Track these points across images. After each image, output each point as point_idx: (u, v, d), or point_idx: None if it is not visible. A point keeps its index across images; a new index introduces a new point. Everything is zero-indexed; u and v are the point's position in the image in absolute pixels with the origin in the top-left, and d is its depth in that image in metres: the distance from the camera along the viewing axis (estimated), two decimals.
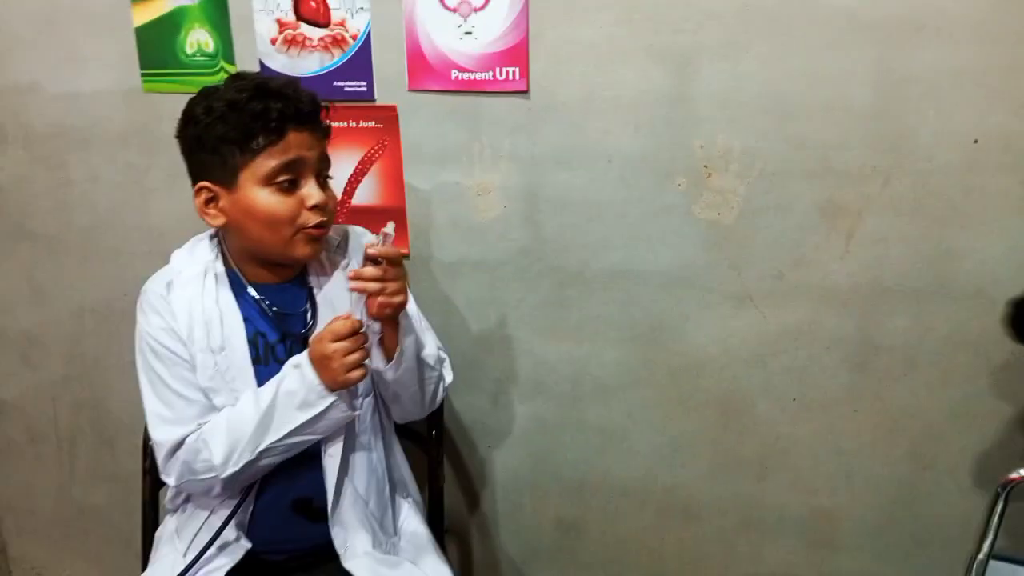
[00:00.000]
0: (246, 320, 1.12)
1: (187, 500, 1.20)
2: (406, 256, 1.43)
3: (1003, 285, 1.15)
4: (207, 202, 1.09)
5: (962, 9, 1.09)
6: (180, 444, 1.09)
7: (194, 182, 1.10)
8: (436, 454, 1.38)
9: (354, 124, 1.41)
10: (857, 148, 1.19)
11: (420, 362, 1.14)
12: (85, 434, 1.87)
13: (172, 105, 1.16)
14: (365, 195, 1.44)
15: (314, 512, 1.15)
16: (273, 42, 1.41)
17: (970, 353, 1.21)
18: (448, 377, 1.24)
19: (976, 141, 1.13)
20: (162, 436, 1.10)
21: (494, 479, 1.56)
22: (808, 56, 1.17)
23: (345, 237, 1.23)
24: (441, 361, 1.22)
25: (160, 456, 1.11)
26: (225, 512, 1.12)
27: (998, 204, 1.15)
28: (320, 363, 1.04)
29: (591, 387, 1.43)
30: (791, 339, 1.30)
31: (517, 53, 1.28)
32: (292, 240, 1.08)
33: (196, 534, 1.14)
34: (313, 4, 1.37)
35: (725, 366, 1.35)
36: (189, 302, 1.11)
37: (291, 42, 1.40)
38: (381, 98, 1.38)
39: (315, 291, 1.16)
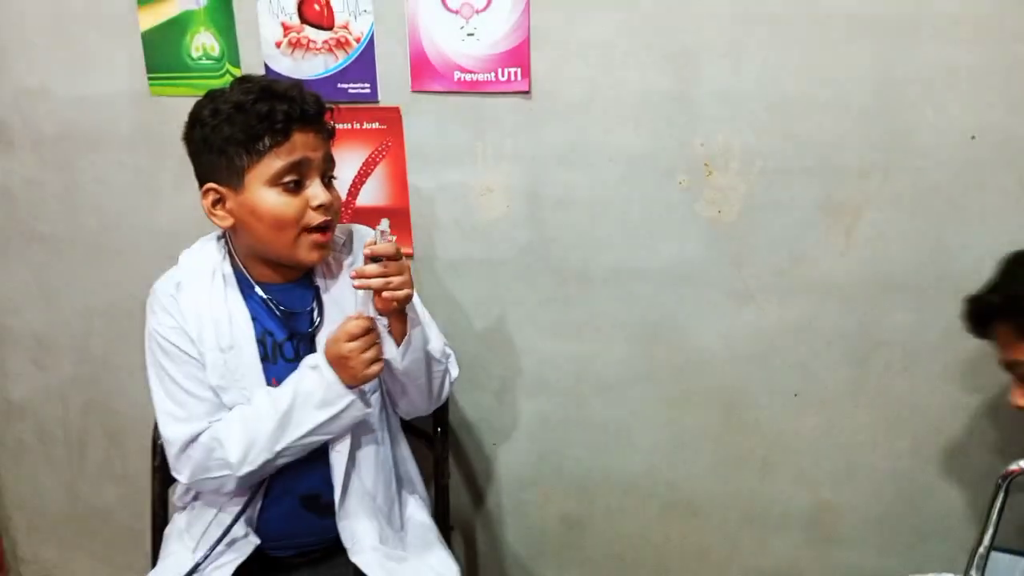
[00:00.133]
0: (254, 319, 1.14)
1: (196, 497, 1.22)
2: (410, 255, 1.45)
3: None
4: (214, 203, 1.10)
5: (960, 8, 1.10)
6: (191, 441, 1.10)
7: (201, 184, 1.11)
8: (441, 451, 1.39)
9: (358, 125, 1.42)
10: (856, 146, 1.20)
11: (427, 354, 1.16)
12: (94, 434, 1.89)
13: (179, 108, 1.17)
14: (369, 195, 1.45)
15: (322, 507, 1.17)
16: (278, 45, 1.43)
17: (969, 347, 1.21)
18: (454, 371, 1.26)
19: (974, 137, 1.14)
20: (173, 434, 1.11)
21: (498, 476, 1.57)
22: (808, 55, 1.18)
23: (350, 236, 1.24)
24: (447, 355, 1.24)
25: (171, 453, 1.12)
26: (234, 509, 1.14)
27: (996, 200, 1.16)
28: (338, 363, 1.07)
29: (594, 384, 1.45)
30: (792, 335, 1.31)
31: (519, 54, 1.29)
32: (297, 242, 1.09)
33: (205, 531, 1.16)
34: (317, 7, 1.38)
35: (727, 362, 1.36)
36: (198, 302, 1.12)
37: (295, 45, 1.42)
38: (385, 99, 1.40)
39: (321, 290, 1.18)
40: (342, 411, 1.09)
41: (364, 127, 1.42)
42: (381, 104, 1.40)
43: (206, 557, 1.12)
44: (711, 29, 1.21)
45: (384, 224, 1.05)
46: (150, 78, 1.54)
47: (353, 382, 1.08)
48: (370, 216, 1.40)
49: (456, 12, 1.30)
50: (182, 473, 1.12)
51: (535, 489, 1.55)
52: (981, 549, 1.07)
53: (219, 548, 1.12)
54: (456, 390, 1.52)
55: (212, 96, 1.08)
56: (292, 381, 1.10)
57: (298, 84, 1.09)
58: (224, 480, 1.10)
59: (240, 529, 1.14)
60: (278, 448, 1.09)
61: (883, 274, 1.23)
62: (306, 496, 1.17)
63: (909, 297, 1.23)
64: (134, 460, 1.85)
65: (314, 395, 1.08)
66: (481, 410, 1.54)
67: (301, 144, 1.07)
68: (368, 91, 1.40)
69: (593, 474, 1.50)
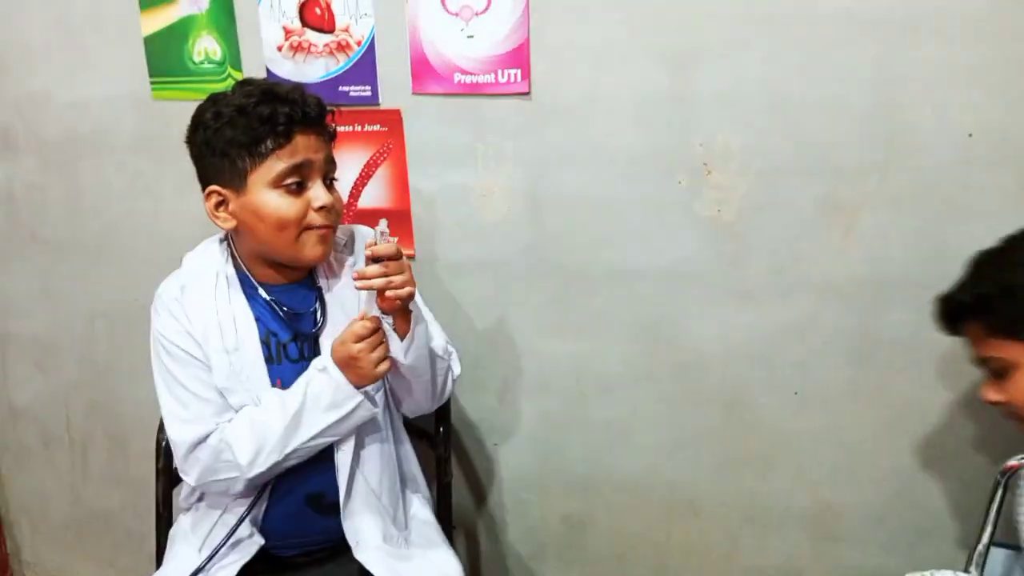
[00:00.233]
0: (258, 320, 1.15)
1: (201, 498, 1.22)
2: (411, 257, 1.45)
3: None
4: (217, 205, 1.11)
5: (957, 8, 1.11)
6: (199, 443, 1.11)
7: (204, 186, 1.12)
8: (444, 450, 1.40)
9: (359, 128, 1.43)
10: (855, 145, 1.20)
11: (431, 351, 1.17)
12: (97, 437, 1.90)
13: (181, 112, 1.18)
14: (371, 197, 1.46)
15: (326, 506, 1.18)
16: (279, 48, 1.44)
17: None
18: (456, 369, 1.27)
19: (971, 135, 1.15)
20: (180, 436, 1.12)
21: (500, 476, 1.58)
22: (806, 55, 1.19)
23: (351, 237, 1.25)
24: (449, 352, 1.25)
25: (179, 455, 1.13)
26: (239, 509, 1.15)
27: (994, 199, 1.16)
28: (346, 364, 1.08)
29: (596, 384, 1.45)
30: (792, 334, 1.32)
31: (518, 56, 1.30)
32: (299, 240, 1.10)
33: (210, 531, 1.17)
34: (318, 11, 1.39)
35: (727, 361, 1.36)
36: (203, 304, 1.13)
37: (297, 48, 1.43)
38: (385, 102, 1.41)
39: (324, 291, 1.19)
40: (351, 412, 1.10)
41: (365, 129, 1.43)
42: (382, 106, 1.41)
43: (211, 557, 1.12)
44: (709, 30, 1.22)
45: (383, 225, 1.06)
46: (152, 82, 1.55)
47: (362, 382, 1.09)
48: (372, 218, 1.41)
49: (456, 15, 1.31)
50: (190, 475, 1.13)
51: (536, 488, 1.56)
52: (980, 547, 1.08)
53: (224, 548, 1.13)
54: (458, 390, 1.52)
55: (214, 99, 1.09)
56: (301, 383, 1.11)
57: (299, 87, 1.10)
58: (232, 481, 1.11)
59: (245, 529, 1.15)
60: (288, 450, 1.10)
61: (882, 273, 1.24)
62: (311, 495, 1.18)
63: (908, 295, 1.23)
64: (137, 463, 1.85)
65: (323, 397, 1.09)
66: (482, 410, 1.55)
67: (303, 146, 1.08)
68: (369, 94, 1.41)
69: (594, 473, 1.51)
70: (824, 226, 1.25)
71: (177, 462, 1.14)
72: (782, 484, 1.40)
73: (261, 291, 1.15)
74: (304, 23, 1.41)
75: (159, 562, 1.30)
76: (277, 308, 1.15)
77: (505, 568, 1.63)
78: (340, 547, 1.16)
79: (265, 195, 1.07)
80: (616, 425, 1.46)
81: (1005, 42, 1.11)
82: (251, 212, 1.08)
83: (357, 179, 1.46)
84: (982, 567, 1.08)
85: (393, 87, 1.39)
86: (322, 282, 1.19)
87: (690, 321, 1.36)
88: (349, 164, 1.43)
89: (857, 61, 1.17)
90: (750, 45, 1.21)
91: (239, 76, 1.47)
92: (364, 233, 1.27)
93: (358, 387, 1.09)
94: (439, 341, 1.22)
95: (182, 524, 1.24)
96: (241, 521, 1.14)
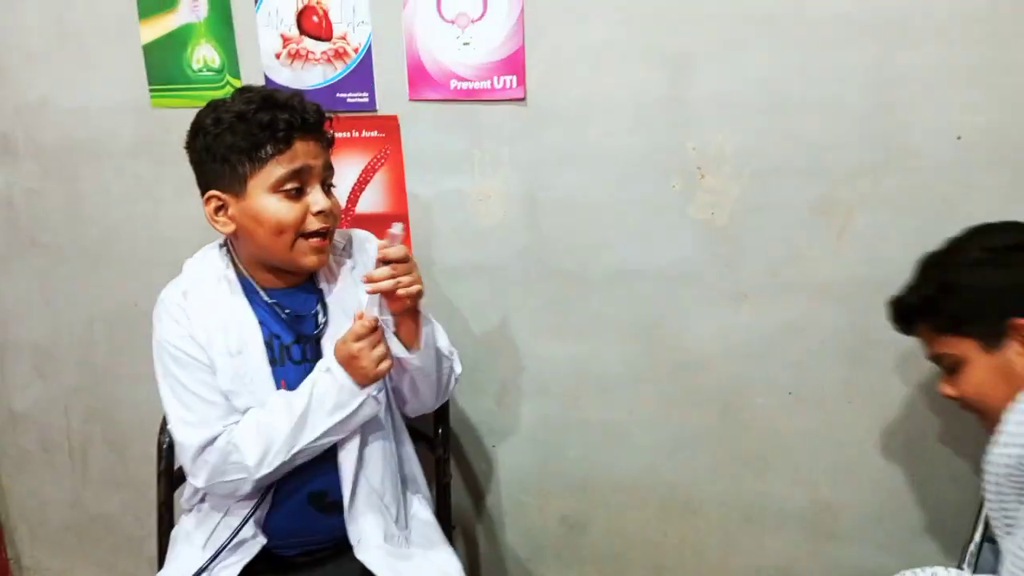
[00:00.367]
0: (261, 324, 1.16)
1: (203, 499, 1.23)
2: None
3: None
4: (217, 210, 1.12)
5: (949, 11, 1.13)
6: (205, 446, 1.12)
7: (203, 191, 1.13)
8: (443, 451, 1.41)
9: (357, 134, 1.44)
10: (850, 146, 1.22)
11: (437, 350, 1.20)
12: (96, 442, 1.90)
13: (180, 119, 1.19)
14: (368, 203, 1.48)
15: (328, 505, 1.19)
16: (277, 56, 1.45)
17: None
18: (457, 368, 1.29)
19: (959, 137, 1.17)
20: (187, 439, 1.13)
21: (499, 478, 1.59)
22: (799, 57, 1.20)
23: (349, 241, 1.26)
24: (452, 351, 1.27)
25: (186, 459, 1.14)
26: (242, 510, 1.16)
27: (986, 199, 1.17)
28: (348, 363, 1.10)
29: (593, 386, 1.46)
30: (787, 335, 1.33)
31: (514, 62, 1.32)
32: (295, 246, 1.11)
33: (213, 532, 1.17)
34: (315, 19, 1.41)
35: (723, 362, 1.38)
36: (205, 309, 1.14)
37: (295, 56, 1.44)
38: (383, 108, 1.42)
39: (325, 293, 1.20)
40: (355, 410, 1.12)
41: (363, 135, 1.44)
42: (379, 113, 1.42)
43: (215, 558, 1.13)
44: (703, 34, 1.23)
45: (397, 228, 1.08)
46: (151, 90, 1.56)
47: (365, 380, 1.11)
48: (369, 223, 1.43)
49: (452, 22, 1.33)
50: (198, 477, 1.13)
51: (535, 489, 1.57)
52: (972, 547, 1.09)
53: (226, 549, 1.14)
54: (457, 393, 1.54)
55: (214, 106, 1.11)
56: (307, 384, 1.13)
57: (299, 94, 1.11)
58: (240, 483, 1.12)
59: (248, 529, 1.16)
60: (295, 450, 1.11)
61: (875, 273, 1.25)
62: (313, 494, 1.19)
63: None
64: (136, 467, 1.86)
65: (328, 397, 1.10)
66: (481, 412, 1.56)
67: (302, 152, 1.09)
68: (366, 100, 1.42)
69: (592, 474, 1.52)
70: (819, 227, 1.27)
71: (185, 466, 1.14)
72: (779, 484, 1.41)
73: (263, 294, 1.17)
74: (302, 31, 1.42)
75: (160, 563, 1.31)
76: (279, 311, 1.16)
77: (504, 568, 1.64)
78: (341, 547, 1.17)
79: (264, 200, 1.09)
80: (614, 426, 1.47)
81: (1000, 44, 1.12)
82: (250, 216, 1.10)
83: (355, 184, 1.47)
84: (975, 565, 1.09)
85: (390, 94, 1.41)
86: (323, 285, 1.21)
87: (687, 323, 1.38)
88: (347, 170, 1.44)
89: (852, 63, 1.18)
90: (744, 48, 1.22)
91: (237, 83, 1.49)
92: (361, 237, 1.28)
93: (361, 386, 1.11)
94: (444, 341, 1.24)
95: (184, 525, 1.25)
96: (245, 522, 1.15)
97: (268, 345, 1.16)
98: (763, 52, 1.21)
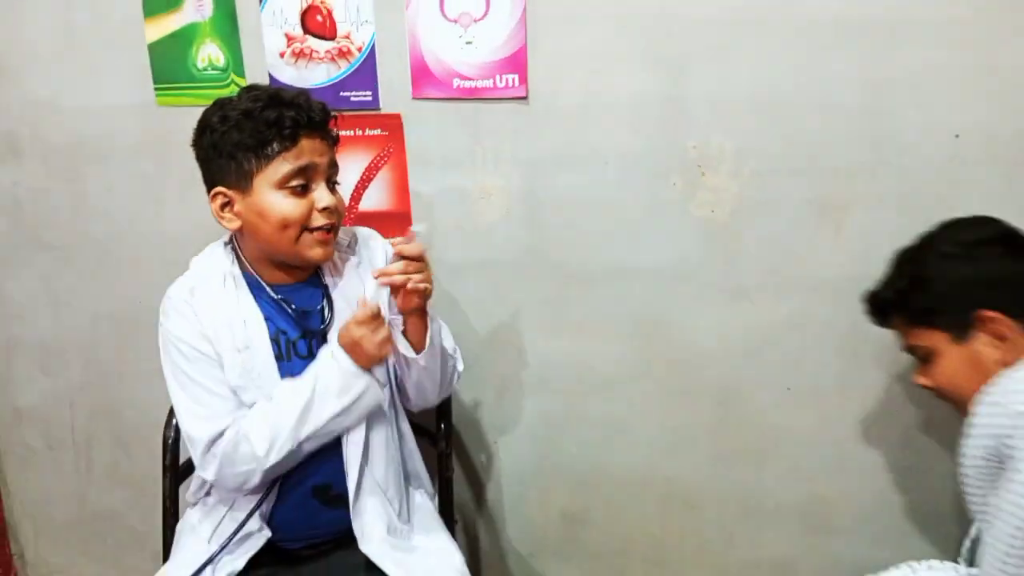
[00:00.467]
0: (267, 319, 1.17)
1: (209, 493, 1.25)
2: None
3: None
4: (223, 207, 1.14)
5: (942, 12, 1.15)
6: (216, 439, 1.13)
7: (209, 188, 1.15)
8: (445, 446, 1.42)
9: (360, 132, 1.46)
10: (844, 146, 1.24)
11: (442, 349, 1.23)
12: (101, 439, 1.91)
13: (185, 117, 1.20)
14: (372, 200, 1.49)
15: (333, 498, 1.20)
16: (281, 55, 1.46)
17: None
18: (460, 365, 1.31)
19: (958, 136, 1.18)
20: (198, 432, 1.14)
21: (500, 473, 1.60)
22: (796, 59, 1.22)
23: (354, 238, 1.28)
24: (455, 350, 1.30)
25: (197, 452, 1.14)
26: (247, 503, 1.17)
27: (980, 195, 1.20)
28: (351, 348, 1.12)
29: (593, 381, 1.48)
30: (784, 331, 1.35)
31: (516, 61, 1.34)
32: (300, 240, 1.13)
33: (219, 525, 1.19)
34: (319, 18, 1.42)
35: (722, 358, 1.39)
36: (212, 305, 1.16)
37: (299, 55, 1.45)
38: (386, 107, 1.44)
39: (330, 288, 1.22)
40: (359, 396, 1.13)
41: (366, 134, 1.46)
42: (382, 111, 1.44)
43: (221, 550, 1.14)
44: (702, 35, 1.25)
45: (421, 226, 1.12)
46: (156, 89, 1.58)
47: (367, 363, 1.13)
48: (372, 220, 1.44)
49: (455, 21, 1.35)
50: (209, 470, 1.14)
51: (535, 484, 1.59)
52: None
53: (232, 542, 1.15)
54: (458, 388, 1.55)
55: (221, 104, 1.12)
56: (311, 371, 1.14)
57: (305, 92, 1.13)
58: (250, 473, 1.12)
59: (254, 523, 1.17)
60: (301, 437, 1.12)
61: (872, 270, 1.25)
62: (318, 487, 1.20)
63: None
64: (141, 464, 1.87)
65: (333, 382, 1.12)
66: (482, 408, 1.57)
67: (308, 149, 1.11)
68: (370, 99, 1.44)
69: (592, 469, 1.53)
70: (815, 225, 1.28)
71: (196, 459, 1.15)
72: (777, 478, 1.43)
73: (269, 291, 1.18)
74: (306, 30, 1.44)
75: (166, 556, 1.32)
76: (286, 306, 1.18)
77: (505, 561, 1.66)
78: (345, 539, 1.19)
79: (270, 196, 1.10)
80: (614, 421, 1.49)
81: (991, 44, 1.14)
82: (256, 212, 1.11)
83: (358, 182, 1.49)
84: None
85: (393, 92, 1.42)
86: (328, 280, 1.22)
87: (685, 319, 1.39)
88: (350, 168, 1.46)
89: (847, 64, 1.20)
90: (741, 50, 1.24)
91: (242, 82, 1.50)
92: (365, 235, 1.30)
93: (364, 370, 1.13)
94: (448, 341, 1.27)
95: (190, 518, 1.26)
96: (251, 514, 1.16)
97: (275, 341, 1.17)
98: (762, 53, 1.23)
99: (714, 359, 1.40)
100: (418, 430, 1.41)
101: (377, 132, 1.45)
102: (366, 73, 1.42)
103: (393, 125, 1.44)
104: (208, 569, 1.16)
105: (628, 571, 1.58)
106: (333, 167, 1.17)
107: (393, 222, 1.47)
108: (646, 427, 1.47)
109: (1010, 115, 1.16)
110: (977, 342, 1.04)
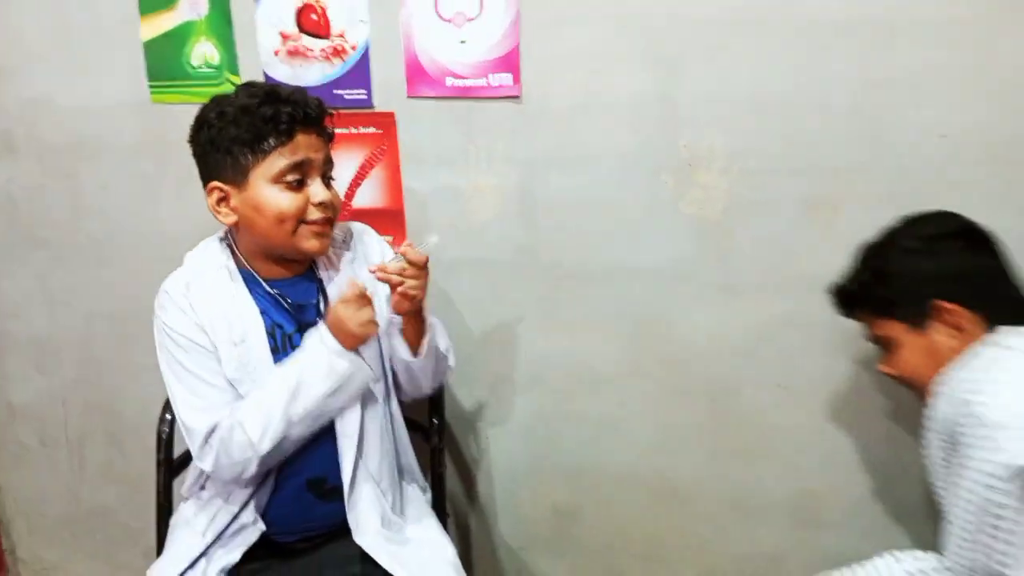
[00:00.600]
0: (263, 313, 1.18)
1: (203, 487, 1.25)
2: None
3: None
4: (219, 201, 1.15)
5: (935, 12, 1.16)
6: (213, 430, 1.14)
7: (205, 183, 1.16)
8: (438, 441, 1.43)
9: (354, 130, 1.47)
10: (836, 145, 1.25)
11: (436, 349, 1.26)
12: (94, 436, 1.92)
13: (180, 115, 1.22)
14: (365, 197, 1.50)
15: (327, 491, 1.21)
16: (276, 53, 1.47)
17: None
18: (452, 363, 1.34)
19: (944, 136, 1.20)
20: (196, 424, 1.14)
21: (493, 469, 1.61)
22: (788, 58, 1.23)
23: (349, 233, 1.29)
24: (448, 348, 1.32)
25: (195, 444, 1.15)
26: (242, 496, 1.18)
27: (972, 196, 1.20)
28: (336, 327, 1.13)
29: (586, 379, 1.49)
30: (775, 328, 1.36)
31: (509, 60, 1.35)
32: (297, 232, 1.14)
33: (213, 518, 1.19)
34: (314, 17, 1.43)
35: (713, 355, 1.40)
36: (208, 299, 1.17)
37: (293, 53, 1.47)
38: (380, 105, 1.45)
39: (324, 282, 1.23)
40: (346, 376, 1.14)
41: (360, 132, 1.47)
42: (376, 109, 1.45)
43: (214, 542, 1.15)
44: (695, 34, 1.26)
45: (435, 238, 1.17)
46: (151, 86, 1.59)
47: (352, 343, 1.13)
48: (366, 217, 1.45)
49: (449, 21, 1.36)
50: (206, 460, 1.15)
51: (528, 479, 1.59)
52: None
53: (226, 535, 1.16)
54: (452, 385, 1.56)
55: (217, 100, 1.13)
56: (298, 353, 1.15)
57: (301, 89, 1.15)
58: (247, 463, 1.13)
59: (248, 516, 1.18)
60: (293, 419, 1.12)
61: None
62: (312, 480, 1.21)
63: None
64: (134, 460, 1.87)
65: (320, 362, 1.13)
66: (476, 405, 1.58)
67: (304, 145, 1.12)
68: (364, 97, 1.45)
69: (585, 465, 1.54)
70: (808, 223, 1.29)
71: (193, 450, 1.16)
72: (767, 474, 1.44)
73: (264, 285, 1.19)
74: (301, 29, 1.45)
75: (159, 550, 1.33)
76: (281, 300, 1.19)
77: (497, 557, 1.67)
78: (339, 532, 1.20)
79: (266, 190, 1.11)
80: (606, 418, 1.50)
81: (985, 44, 1.15)
82: (252, 207, 1.13)
83: (352, 180, 1.50)
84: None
85: (387, 91, 1.43)
86: (322, 274, 1.23)
87: (678, 317, 1.40)
88: (344, 165, 1.46)
89: (839, 64, 1.21)
90: (733, 49, 1.25)
91: (237, 80, 1.51)
92: (360, 230, 1.31)
93: (349, 349, 1.14)
94: (443, 342, 1.29)
95: (184, 512, 1.27)
96: (244, 507, 1.17)
97: (270, 334, 1.18)
98: (753, 53, 1.24)
99: (706, 356, 1.41)
100: (412, 425, 1.42)
101: (371, 130, 1.46)
102: (360, 72, 1.44)
103: (387, 123, 1.45)
104: (202, 562, 1.17)
105: (620, 566, 1.59)
106: (328, 163, 1.18)
107: (386, 219, 1.48)
108: (639, 424, 1.48)
109: (1009, 115, 1.17)
110: (935, 332, 1.08)
